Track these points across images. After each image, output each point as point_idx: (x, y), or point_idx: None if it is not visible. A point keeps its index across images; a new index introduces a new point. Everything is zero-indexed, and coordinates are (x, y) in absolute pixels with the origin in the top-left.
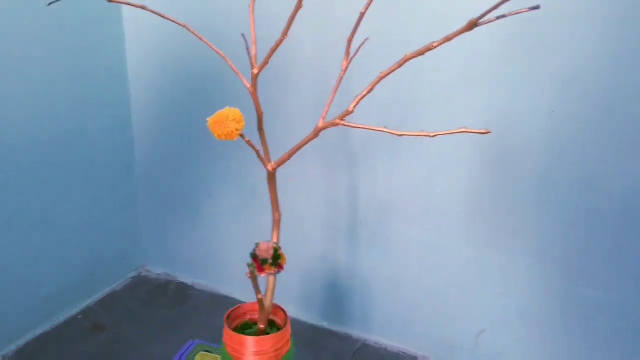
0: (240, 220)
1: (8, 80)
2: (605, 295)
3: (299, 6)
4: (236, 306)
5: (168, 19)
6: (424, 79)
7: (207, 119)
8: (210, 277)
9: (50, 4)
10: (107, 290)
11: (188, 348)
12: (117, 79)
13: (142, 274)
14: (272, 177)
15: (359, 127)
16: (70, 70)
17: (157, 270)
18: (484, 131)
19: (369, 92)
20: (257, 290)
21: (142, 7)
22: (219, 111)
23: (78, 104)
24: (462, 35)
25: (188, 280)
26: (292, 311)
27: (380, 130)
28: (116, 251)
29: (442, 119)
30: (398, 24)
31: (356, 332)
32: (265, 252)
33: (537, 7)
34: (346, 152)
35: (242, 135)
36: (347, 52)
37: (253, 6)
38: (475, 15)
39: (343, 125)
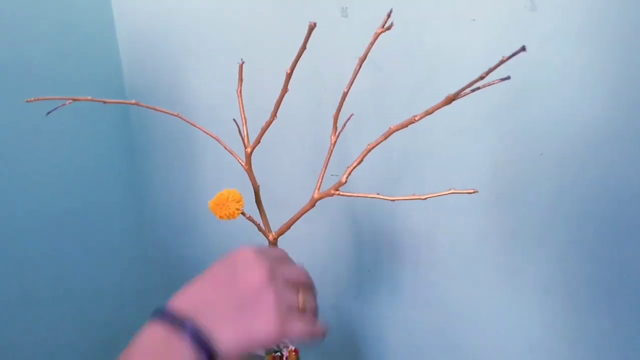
0: None
1: (14, 170)
2: (611, 325)
3: (284, 90)
4: None
5: (161, 110)
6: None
7: (208, 202)
8: None
9: (49, 113)
10: None
11: None
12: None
13: None
14: (274, 246)
15: (353, 196)
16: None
17: None
18: (471, 191)
19: (359, 163)
20: None
21: (135, 104)
22: (219, 193)
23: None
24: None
25: None
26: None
27: (374, 197)
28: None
29: (439, 169)
30: (382, 99)
31: None
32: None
33: (507, 78)
34: (346, 212)
35: (242, 213)
36: (334, 127)
37: (240, 90)
38: (453, 89)
39: (337, 195)
